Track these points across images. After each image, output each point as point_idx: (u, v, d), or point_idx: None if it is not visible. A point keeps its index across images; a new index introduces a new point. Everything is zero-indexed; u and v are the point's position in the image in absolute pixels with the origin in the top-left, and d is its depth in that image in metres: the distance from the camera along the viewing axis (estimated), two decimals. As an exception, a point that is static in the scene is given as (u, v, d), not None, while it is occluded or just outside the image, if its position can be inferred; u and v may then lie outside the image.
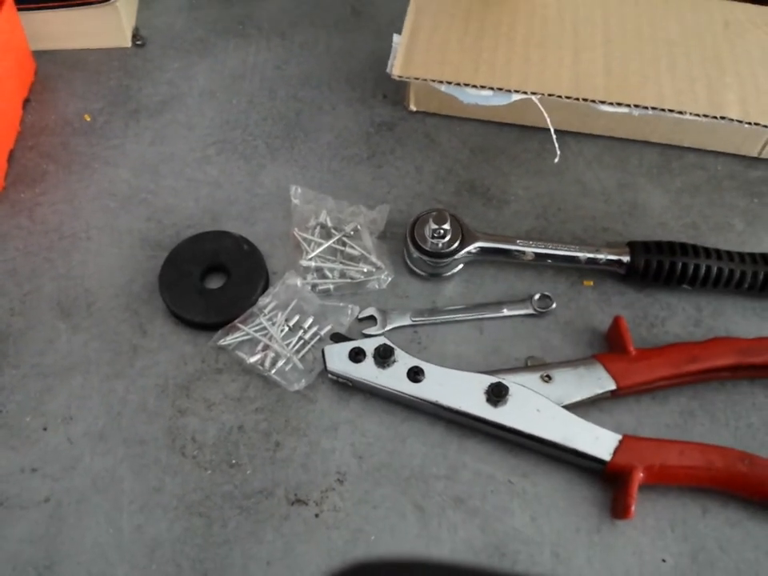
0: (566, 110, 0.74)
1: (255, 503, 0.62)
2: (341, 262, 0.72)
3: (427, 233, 0.69)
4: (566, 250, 0.70)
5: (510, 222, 0.76)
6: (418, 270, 0.72)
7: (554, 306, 0.70)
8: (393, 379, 0.64)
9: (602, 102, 0.60)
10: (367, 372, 0.64)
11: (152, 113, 0.83)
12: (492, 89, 0.61)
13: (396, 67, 0.63)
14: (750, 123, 0.59)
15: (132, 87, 0.85)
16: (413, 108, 0.82)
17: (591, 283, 0.72)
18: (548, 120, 0.61)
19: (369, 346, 0.65)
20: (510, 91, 0.61)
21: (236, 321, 0.68)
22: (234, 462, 0.63)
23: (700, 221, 0.76)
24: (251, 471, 0.63)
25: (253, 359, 0.66)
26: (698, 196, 0.78)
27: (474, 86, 0.61)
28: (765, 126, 0.59)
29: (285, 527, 0.61)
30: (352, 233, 0.73)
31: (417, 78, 0.62)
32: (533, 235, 0.75)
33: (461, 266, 0.72)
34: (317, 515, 0.61)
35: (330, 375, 0.65)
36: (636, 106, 0.59)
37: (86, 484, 0.62)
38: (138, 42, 0.89)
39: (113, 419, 0.65)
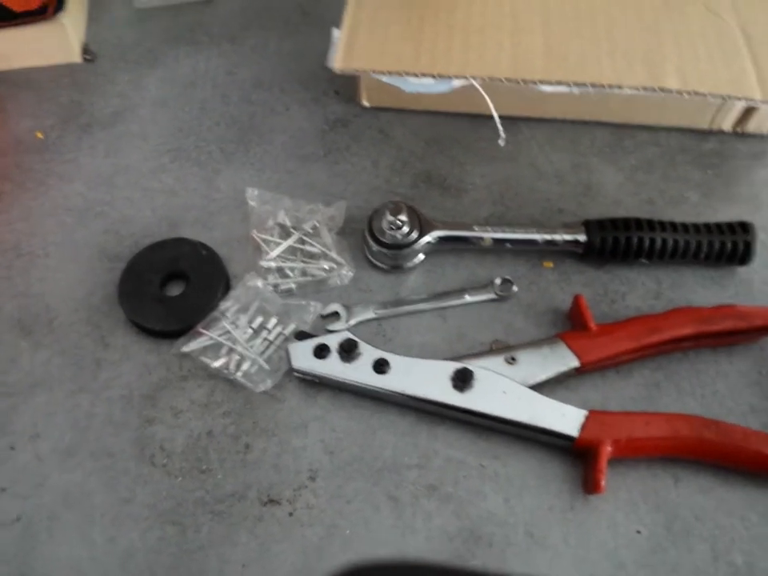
0: (514, 94, 0.74)
1: (228, 507, 0.61)
2: (301, 261, 0.72)
3: (385, 225, 0.69)
4: (523, 234, 0.70)
5: (468, 210, 0.76)
6: (378, 264, 0.72)
7: (516, 289, 0.70)
8: (358, 372, 0.64)
9: (542, 82, 0.60)
10: (332, 367, 0.64)
11: (105, 125, 0.82)
12: (433, 76, 0.61)
13: (337, 60, 0.63)
14: (689, 93, 0.59)
15: (84, 102, 0.85)
16: (366, 104, 0.82)
17: (551, 264, 0.72)
18: (490, 104, 0.61)
19: (333, 341, 0.65)
20: (450, 77, 0.61)
21: (198, 326, 0.67)
22: (204, 467, 0.63)
23: (655, 196, 0.77)
24: (222, 475, 0.63)
25: (217, 363, 0.66)
26: (653, 172, 0.78)
27: (416, 75, 0.61)
28: (704, 95, 0.59)
29: (259, 528, 0.60)
30: (311, 231, 0.73)
31: (358, 71, 0.62)
32: (491, 221, 0.75)
33: (421, 256, 0.72)
34: (290, 514, 0.61)
35: (295, 373, 0.65)
36: (576, 84, 0.60)
37: (56, 500, 0.62)
38: (88, 57, 0.88)
39: (80, 434, 0.65)
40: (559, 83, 0.60)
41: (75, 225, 0.76)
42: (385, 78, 0.62)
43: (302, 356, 0.65)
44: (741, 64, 0.63)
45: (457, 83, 0.62)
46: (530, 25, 0.68)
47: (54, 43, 0.86)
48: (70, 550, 0.60)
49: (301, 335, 0.67)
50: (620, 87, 0.60)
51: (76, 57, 0.88)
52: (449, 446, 0.64)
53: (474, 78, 0.61)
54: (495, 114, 0.62)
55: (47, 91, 0.86)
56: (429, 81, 0.62)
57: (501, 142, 0.65)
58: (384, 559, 0.58)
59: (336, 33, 0.68)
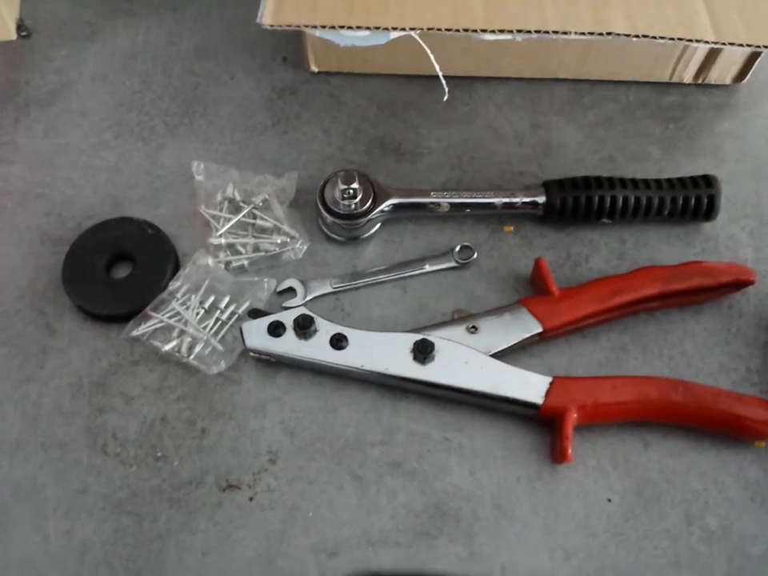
0: (465, 51, 0.72)
1: (185, 494, 0.59)
2: (253, 236, 0.69)
3: (337, 195, 0.67)
4: (480, 197, 0.68)
5: (425, 176, 0.74)
6: (334, 236, 0.70)
7: (476, 255, 0.68)
8: (316, 349, 0.62)
9: (483, 31, 0.57)
10: (288, 345, 0.62)
11: (43, 104, 0.79)
12: (369, 28, 0.58)
13: (266, 16, 0.60)
14: (637, 36, 0.57)
15: (20, 80, 0.81)
16: (314, 69, 0.79)
17: (511, 229, 0.70)
18: (431, 55, 0.58)
19: (288, 318, 0.63)
20: (387, 29, 0.58)
21: (147, 309, 0.65)
22: (159, 454, 0.61)
23: (616, 153, 0.74)
24: (178, 462, 0.60)
25: (168, 347, 0.64)
26: (612, 128, 0.76)
27: (350, 27, 0.58)
28: (653, 38, 0.57)
29: (218, 515, 0.58)
30: (261, 204, 0.70)
31: (289, 26, 0.59)
32: (449, 186, 0.73)
33: (378, 225, 0.70)
34: (251, 498, 0.59)
35: (251, 353, 0.63)
36: (519, 31, 0.57)
37: (6, 494, 0.60)
38: (23, 33, 0.84)
39: (29, 425, 0.62)
40: (501, 31, 0.57)
41: (15, 208, 0.72)
42: (318, 33, 0.59)
43: (256, 335, 0.62)
44: (692, 5, 0.61)
45: (394, 35, 0.59)
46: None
47: (-13, 20, 0.82)
48: (23, 546, 0.58)
49: (254, 313, 0.64)
50: (565, 33, 0.57)
51: (10, 34, 0.83)
52: (412, 421, 0.62)
53: (413, 30, 0.58)
54: (437, 67, 0.59)
55: (-19, 71, 0.82)
56: (364, 33, 0.59)
57: (445, 98, 0.62)
58: (399, 569, 0.57)
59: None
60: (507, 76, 0.79)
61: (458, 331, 0.62)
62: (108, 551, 0.57)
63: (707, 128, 0.76)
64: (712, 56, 0.74)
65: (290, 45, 0.81)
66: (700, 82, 0.78)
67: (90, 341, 0.65)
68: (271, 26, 0.60)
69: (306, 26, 0.59)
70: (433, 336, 0.61)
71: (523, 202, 0.68)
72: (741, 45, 0.60)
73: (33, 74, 0.81)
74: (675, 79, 0.78)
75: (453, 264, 0.68)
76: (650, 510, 0.58)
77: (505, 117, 0.77)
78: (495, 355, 0.61)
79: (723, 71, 0.77)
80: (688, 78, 0.78)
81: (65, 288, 0.66)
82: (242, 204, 0.70)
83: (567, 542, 0.57)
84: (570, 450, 0.57)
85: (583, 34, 0.57)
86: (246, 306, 0.66)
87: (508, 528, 0.58)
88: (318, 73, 0.79)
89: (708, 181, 0.68)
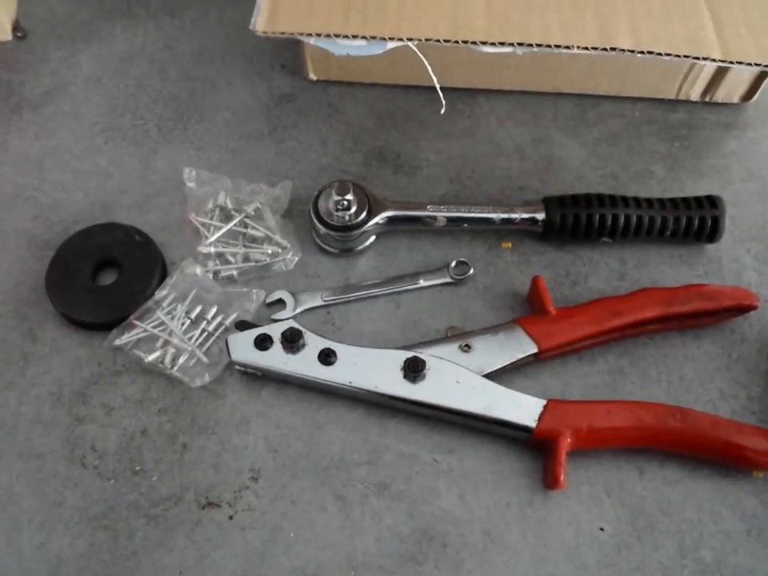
0: (467, 62, 0.70)
1: (164, 510, 0.57)
2: (243, 245, 0.67)
3: (331, 206, 0.65)
4: (479, 212, 0.66)
5: (423, 189, 0.72)
6: (327, 247, 0.68)
7: (472, 271, 0.66)
8: (303, 364, 0.60)
9: (483, 43, 0.56)
10: (275, 359, 0.60)
11: (35, 106, 0.77)
12: (365, 38, 0.56)
13: (259, 23, 0.58)
14: (642, 52, 0.55)
15: (13, 81, 0.79)
16: (312, 77, 0.77)
17: (510, 245, 0.68)
18: (428, 66, 0.57)
19: (276, 331, 0.61)
20: (384, 39, 0.57)
21: (131, 318, 0.63)
22: (138, 468, 0.59)
23: (619, 170, 0.73)
24: (157, 477, 0.59)
25: (151, 357, 0.62)
26: (617, 145, 0.74)
27: (346, 37, 0.56)
28: (658, 54, 0.55)
29: (197, 533, 0.57)
30: (253, 213, 0.68)
31: (283, 33, 0.57)
32: (447, 200, 0.71)
33: (372, 238, 0.68)
34: (231, 517, 0.57)
35: (237, 366, 0.61)
36: (520, 44, 0.55)
37: (-20, 506, 0.58)
38: (19, 34, 0.83)
39: (6, 434, 0.61)
40: (502, 44, 0.56)
41: (2, 211, 0.71)
42: (312, 41, 0.57)
43: (242, 348, 0.60)
44: (699, 21, 0.59)
45: (391, 45, 0.57)
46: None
47: (-17, 20, 0.80)
48: (-4, 558, 0.56)
49: (241, 325, 0.62)
50: (569, 48, 0.55)
51: (6, 34, 0.82)
52: (400, 441, 0.60)
53: (411, 40, 0.57)
54: (434, 78, 0.57)
55: (-25, 71, 0.81)
56: (360, 43, 0.57)
57: (442, 111, 0.61)
58: None
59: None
60: (510, 89, 0.77)
61: (451, 349, 0.60)
62: (83, 566, 0.56)
63: (713, 147, 0.74)
64: (720, 74, 0.73)
65: (288, 52, 0.79)
66: (707, 100, 0.76)
67: (72, 349, 0.64)
68: (264, 32, 0.58)
69: (301, 34, 0.58)
70: (424, 354, 0.59)
71: (522, 218, 0.66)
72: (749, 64, 0.59)
73: (27, 76, 0.80)
74: (682, 96, 0.76)
75: (448, 280, 0.66)
76: (644, 541, 0.56)
77: (506, 131, 0.75)
78: (488, 375, 0.59)
79: (731, 90, 0.75)
80: (695, 95, 0.76)
81: (48, 294, 0.64)
82: (233, 212, 0.68)
83: (557, 572, 0.55)
84: (562, 476, 0.55)
85: (586, 48, 0.56)
86: (233, 317, 0.64)
87: (497, 555, 0.56)
88: (317, 81, 0.78)
89: (713, 201, 0.66)
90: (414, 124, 0.76)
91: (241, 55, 0.80)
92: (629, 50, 0.56)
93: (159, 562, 0.56)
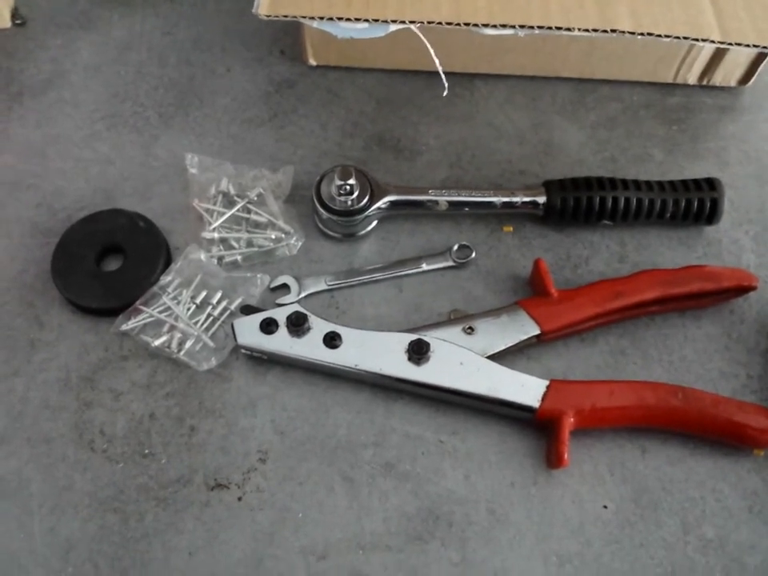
0: (466, 46, 0.70)
1: (173, 493, 0.58)
2: (247, 231, 0.68)
3: (333, 191, 0.65)
4: (480, 196, 0.67)
5: (423, 173, 0.72)
6: (329, 232, 0.68)
7: (474, 255, 0.67)
8: (308, 347, 0.60)
9: (485, 26, 0.56)
10: (281, 343, 0.61)
11: (36, 93, 0.77)
12: (368, 21, 0.57)
13: (262, 5, 0.58)
14: (642, 34, 0.56)
15: (13, 69, 0.79)
16: (312, 62, 0.78)
17: (511, 229, 0.69)
18: (431, 49, 0.57)
19: (281, 315, 0.61)
20: (386, 22, 0.57)
21: (137, 303, 0.63)
22: (146, 452, 0.60)
23: (618, 154, 0.73)
24: (166, 460, 0.59)
25: (158, 342, 0.62)
26: (615, 129, 0.75)
27: (348, 19, 0.56)
28: (658, 36, 0.56)
29: (206, 515, 0.57)
30: (256, 198, 0.69)
31: (286, 16, 0.57)
32: (448, 184, 0.71)
33: (374, 223, 0.68)
34: (239, 498, 0.58)
35: (242, 350, 0.62)
36: (521, 26, 0.56)
37: (-10, 490, 0.58)
38: (18, 22, 0.83)
39: (14, 419, 0.61)
40: (504, 26, 0.56)
41: (5, 199, 0.71)
42: (315, 24, 0.57)
43: (247, 332, 0.61)
44: (698, 4, 0.59)
45: (393, 28, 0.58)
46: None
47: (-19, 8, 0.80)
48: (7, 542, 0.57)
49: (247, 309, 0.63)
50: (569, 30, 0.56)
51: (5, 21, 0.82)
52: (406, 422, 0.61)
53: (413, 23, 0.57)
54: (437, 61, 0.57)
55: (-26, 59, 0.80)
56: (363, 25, 0.57)
57: (444, 93, 0.61)
58: None
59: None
60: (509, 74, 0.78)
61: (454, 332, 0.61)
62: (93, 549, 0.56)
63: (711, 130, 0.75)
64: (717, 57, 0.73)
65: (288, 38, 0.80)
66: (705, 83, 0.77)
67: (78, 334, 0.64)
68: (267, 15, 0.58)
69: (304, 17, 0.58)
70: (428, 336, 0.60)
71: (523, 202, 0.66)
72: (747, 45, 0.59)
73: (27, 63, 0.80)
74: (679, 80, 0.76)
75: (450, 263, 0.67)
76: (647, 518, 0.57)
77: (506, 115, 0.76)
78: (492, 357, 0.60)
79: (728, 73, 0.75)
80: (692, 79, 0.76)
81: (54, 280, 0.65)
82: (236, 198, 0.69)
83: (561, 549, 0.56)
84: (566, 455, 0.56)
85: (587, 30, 0.56)
86: (238, 301, 0.64)
87: (501, 533, 0.57)
88: (317, 67, 0.78)
89: (711, 184, 0.67)
90: (413, 109, 0.76)
91: (240, 41, 0.80)
92: (629, 32, 0.56)
93: (169, 544, 0.56)
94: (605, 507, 0.57)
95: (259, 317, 0.61)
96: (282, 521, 0.57)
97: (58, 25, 0.82)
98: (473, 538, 0.56)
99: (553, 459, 0.57)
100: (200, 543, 0.56)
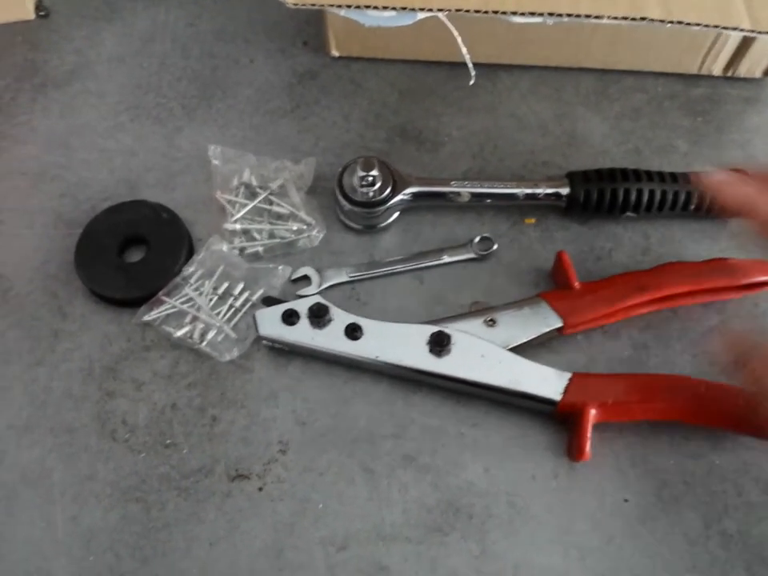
0: (490, 36, 0.70)
1: (194, 483, 0.58)
2: (269, 222, 0.68)
3: (356, 182, 0.65)
4: (502, 188, 0.67)
5: (445, 164, 0.72)
6: (351, 224, 0.68)
7: (496, 247, 0.67)
8: (330, 339, 0.61)
9: (513, 14, 0.55)
10: (302, 334, 0.61)
11: (60, 84, 0.78)
12: (395, 9, 0.56)
13: (289, -7, 0.58)
14: (671, 22, 0.55)
15: (38, 60, 0.80)
16: (335, 53, 0.77)
17: (533, 221, 0.69)
18: (458, 37, 0.57)
19: (302, 306, 0.61)
20: (414, 10, 0.57)
21: (160, 294, 0.64)
22: (168, 442, 0.60)
23: (642, 145, 0.73)
24: (188, 450, 0.60)
25: (180, 332, 0.63)
26: (639, 120, 0.74)
27: (376, 8, 0.56)
28: (688, 24, 0.55)
29: (227, 505, 0.58)
30: (278, 190, 0.69)
31: (313, 5, 0.57)
32: (470, 176, 0.71)
33: (396, 214, 0.68)
34: (260, 489, 0.58)
35: (264, 341, 0.62)
36: (550, 14, 0.55)
37: (14, 478, 0.59)
38: (42, 13, 0.83)
39: (38, 408, 0.62)
40: (532, 14, 0.56)
41: (30, 189, 0.72)
42: (343, 12, 0.57)
43: (269, 323, 0.61)
44: (728, -9, 0.59)
45: (421, 16, 0.57)
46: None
47: (6, 0, 0.81)
48: (30, 531, 0.57)
49: (268, 301, 0.63)
50: (599, 17, 0.55)
51: (29, 13, 0.83)
52: (426, 414, 0.60)
53: (441, 11, 0.57)
54: (464, 49, 0.57)
55: (0, 50, 0.81)
56: (390, 14, 0.57)
57: (471, 81, 0.61)
58: None
59: (290, -34, 0.63)
60: (532, 64, 0.77)
61: (476, 324, 0.61)
62: (115, 538, 0.57)
63: (736, 122, 0.74)
64: (743, 48, 0.72)
65: (311, 28, 0.79)
66: (729, 74, 0.76)
67: (101, 325, 0.65)
68: (294, 4, 0.58)
69: (331, 6, 0.58)
70: (450, 328, 0.60)
71: (546, 194, 0.66)
72: (777, 34, 0.58)
73: (51, 54, 0.80)
74: (704, 71, 0.76)
75: (472, 255, 0.67)
76: (668, 512, 0.57)
77: (528, 106, 0.75)
78: (513, 349, 0.59)
79: (753, 64, 0.74)
80: (717, 70, 0.75)
81: (77, 271, 0.65)
82: (258, 189, 0.69)
83: (582, 542, 0.56)
84: (587, 449, 0.55)
85: (616, 18, 0.55)
86: (260, 293, 0.65)
87: (522, 526, 0.56)
88: (339, 58, 0.78)
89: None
90: (436, 100, 0.76)
91: (263, 32, 0.80)
92: (659, 20, 0.55)
93: (190, 534, 0.57)
94: (626, 501, 0.57)
95: (281, 308, 0.61)
96: (302, 511, 0.57)
97: (82, 16, 0.83)
98: (493, 531, 0.56)
99: (574, 452, 0.57)
100: (221, 533, 0.57)
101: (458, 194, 0.67)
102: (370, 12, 0.57)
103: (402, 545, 0.56)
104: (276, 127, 0.74)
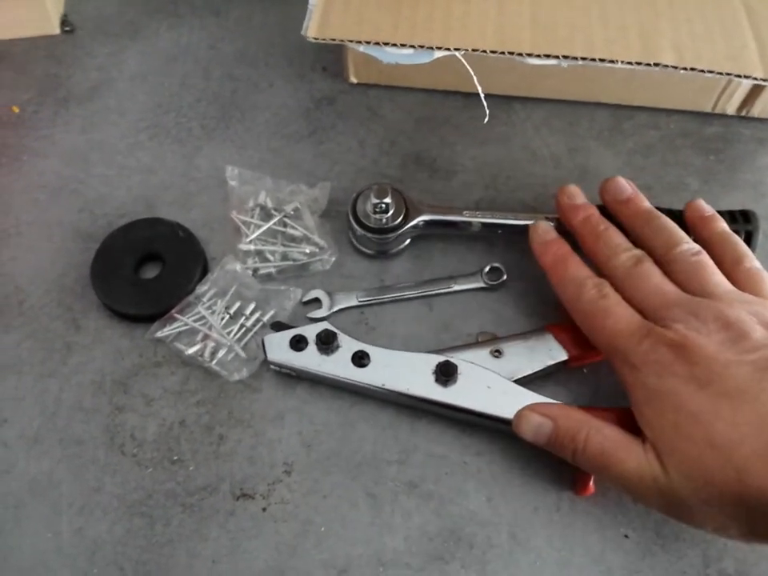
0: (506, 71, 0.71)
1: (199, 500, 0.59)
2: (282, 244, 0.69)
3: (369, 208, 0.66)
4: (514, 219, 0.67)
5: (458, 194, 0.73)
6: (363, 249, 0.69)
7: (505, 277, 0.67)
8: (337, 366, 0.61)
9: (529, 55, 0.57)
10: (310, 360, 0.61)
11: (82, 100, 0.79)
12: (413, 47, 0.58)
13: (311, 29, 0.60)
14: (685, 69, 0.56)
15: (61, 75, 0.81)
16: (353, 80, 0.79)
17: (543, 252, 0.69)
18: (474, 76, 0.58)
19: (311, 332, 0.62)
20: (432, 48, 0.58)
21: (173, 311, 0.64)
22: (175, 458, 0.61)
23: (653, 182, 0.73)
24: (194, 467, 0.60)
25: (191, 350, 0.63)
26: (651, 156, 0.75)
27: (395, 45, 0.58)
28: (701, 71, 0.56)
29: (230, 523, 0.58)
30: (292, 212, 0.70)
31: (333, 40, 0.59)
32: (482, 205, 0.72)
33: (407, 241, 0.69)
34: (264, 509, 0.59)
35: (271, 366, 0.63)
36: (565, 57, 0.56)
37: (22, 488, 0.59)
38: (67, 29, 0.85)
39: (48, 420, 0.62)
40: (547, 56, 0.57)
41: (49, 203, 0.73)
42: (362, 48, 0.59)
43: (277, 348, 0.62)
44: (742, 39, 0.60)
45: (438, 54, 0.59)
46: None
47: (32, 14, 0.82)
48: (35, 540, 0.58)
49: (277, 326, 0.64)
50: (612, 62, 0.57)
51: (54, 28, 0.84)
52: (430, 441, 0.61)
53: (458, 50, 0.58)
54: (479, 87, 0.58)
55: (24, 64, 0.82)
56: (408, 51, 0.58)
57: (485, 120, 0.62)
58: None
59: (312, 0, 0.64)
60: (547, 97, 0.78)
61: (482, 354, 0.61)
62: (119, 552, 0.57)
63: (748, 161, 0.75)
64: (757, 89, 0.73)
65: (330, 55, 0.81)
66: (743, 114, 0.77)
67: (114, 339, 0.65)
68: (315, 39, 0.60)
69: (351, 41, 0.59)
70: (456, 358, 0.60)
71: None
72: (789, 83, 0.59)
73: (74, 70, 0.82)
74: (718, 110, 0.76)
75: (481, 284, 0.68)
76: (668, 549, 0.57)
77: (542, 139, 0.76)
78: (519, 381, 0.60)
79: (767, 105, 0.75)
80: (731, 110, 0.76)
81: (93, 285, 0.66)
82: (273, 211, 0.70)
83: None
84: (591, 483, 0.56)
85: (630, 63, 0.57)
86: (271, 313, 0.66)
87: (522, 558, 0.57)
88: (357, 84, 0.79)
89: (746, 216, 0.66)
90: (450, 129, 0.77)
91: (283, 57, 0.82)
92: (672, 66, 0.56)
93: (193, 550, 0.57)
94: (626, 536, 0.57)
95: (289, 333, 0.62)
96: (304, 533, 0.58)
97: (106, 33, 0.84)
98: (493, 561, 0.57)
99: (578, 486, 0.57)
100: (224, 552, 0.57)
101: (470, 223, 0.67)
102: (389, 49, 0.59)
103: (402, 571, 0.56)
104: (292, 151, 0.75)
